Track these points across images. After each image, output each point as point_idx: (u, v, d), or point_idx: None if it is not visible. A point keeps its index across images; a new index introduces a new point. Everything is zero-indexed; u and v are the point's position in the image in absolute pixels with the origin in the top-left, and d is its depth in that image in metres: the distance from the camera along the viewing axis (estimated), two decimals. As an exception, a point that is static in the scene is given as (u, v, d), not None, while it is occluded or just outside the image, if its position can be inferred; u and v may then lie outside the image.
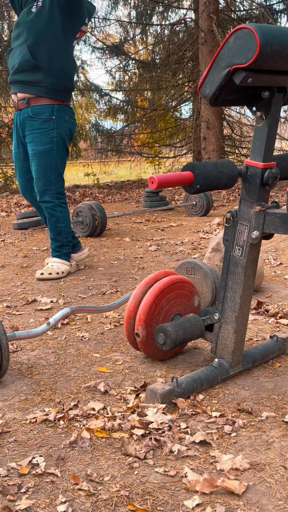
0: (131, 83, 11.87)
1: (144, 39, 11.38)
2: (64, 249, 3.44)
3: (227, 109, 10.17)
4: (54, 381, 1.92)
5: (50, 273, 3.31)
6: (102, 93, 11.44)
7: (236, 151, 10.52)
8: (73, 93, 11.32)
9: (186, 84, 10.65)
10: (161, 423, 1.55)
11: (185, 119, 11.51)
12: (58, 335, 2.39)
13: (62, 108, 3.22)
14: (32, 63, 3.06)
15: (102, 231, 4.94)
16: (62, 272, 3.33)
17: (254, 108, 1.66)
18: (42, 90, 3.11)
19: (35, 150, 3.19)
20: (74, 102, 11.63)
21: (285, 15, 10.16)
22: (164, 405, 1.63)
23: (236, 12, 10.17)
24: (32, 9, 3.02)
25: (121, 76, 11.85)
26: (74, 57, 3.23)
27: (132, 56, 11.64)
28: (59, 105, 3.20)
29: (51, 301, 2.89)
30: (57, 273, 3.33)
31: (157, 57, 10.87)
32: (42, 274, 3.29)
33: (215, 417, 1.61)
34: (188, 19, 10.24)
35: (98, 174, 11.86)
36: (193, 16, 10.15)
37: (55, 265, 3.36)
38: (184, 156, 11.21)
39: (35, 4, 3.02)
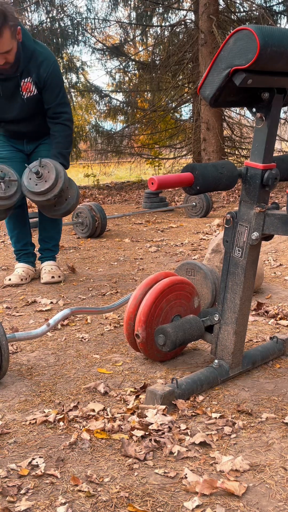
0: (131, 84, 11.88)
1: (144, 40, 11.39)
2: (58, 248, 3.49)
3: (227, 110, 10.18)
4: (54, 382, 1.92)
5: (59, 276, 3.32)
6: (102, 94, 11.44)
7: (236, 152, 10.52)
8: (73, 94, 11.35)
9: (186, 85, 10.65)
10: (161, 424, 1.54)
11: (185, 120, 11.52)
12: (58, 336, 2.39)
13: None
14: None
15: (102, 232, 4.95)
16: (59, 276, 3.33)
17: (254, 109, 1.66)
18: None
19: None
20: (74, 103, 11.63)
21: (285, 17, 10.17)
22: (164, 406, 1.62)
23: (236, 14, 10.17)
24: (24, 97, 3.02)
25: (121, 77, 11.85)
26: None
27: (132, 57, 11.64)
28: None
29: (51, 302, 2.89)
30: (60, 276, 3.35)
31: (157, 58, 10.88)
32: (53, 277, 3.28)
33: (215, 418, 1.61)
34: (188, 20, 10.25)
35: (98, 175, 11.87)
36: (193, 17, 10.16)
37: (54, 267, 3.36)
38: (184, 157, 11.22)
39: (20, 90, 3.01)
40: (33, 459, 1.43)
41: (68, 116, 3.08)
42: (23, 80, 2.97)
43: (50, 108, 3.04)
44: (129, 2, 10.88)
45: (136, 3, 10.79)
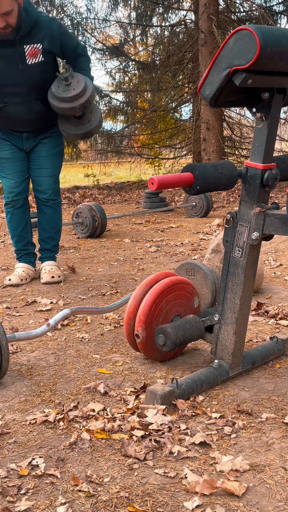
0: (131, 84, 11.87)
1: (144, 40, 11.38)
2: (58, 248, 3.49)
3: (227, 110, 10.18)
4: (54, 382, 1.92)
5: (60, 276, 3.32)
6: (102, 94, 11.43)
7: (236, 152, 10.52)
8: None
9: (186, 85, 10.65)
10: (161, 424, 1.54)
11: (185, 120, 11.51)
12: (58, 336, 2.39)
13: None
14: (45, 115, 3.17)
15: (102, 232, 4.95)
16: (59, 276, 3.33)
17: (254, 109, 1.66)
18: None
19: (51, 151, 3.26)
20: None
21: (285, 17, 10.17)
22: (164, 406, 1.62)
23: (236, 14, 10.17)
24: (27, 62, 2.97)
25: (121, 77, 11.84)
26: None
27: (132, 57, 11.63)
28: None
29: (51, 302, 2.89)
30: (60, 276, 3.34)
31: (157, 58, 10.87)
32: (53, 277, 3.28)
33: (215, 418, 1.61)
34: (188, 20, 10.24)
35: (98, 175, 11.86)
36: (193, 17, 10.16)
37: (54, 267, 3.36)
38: (184, 157, 11.22)
39: (25, 55, 2.95)
40: (33, 459, 1.43)
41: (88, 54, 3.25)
42: (31, 46, 2.95)
43: (77, 54, 3.13)
44: (129, 2, 10.87)
45: (136, 3, 10.78)
